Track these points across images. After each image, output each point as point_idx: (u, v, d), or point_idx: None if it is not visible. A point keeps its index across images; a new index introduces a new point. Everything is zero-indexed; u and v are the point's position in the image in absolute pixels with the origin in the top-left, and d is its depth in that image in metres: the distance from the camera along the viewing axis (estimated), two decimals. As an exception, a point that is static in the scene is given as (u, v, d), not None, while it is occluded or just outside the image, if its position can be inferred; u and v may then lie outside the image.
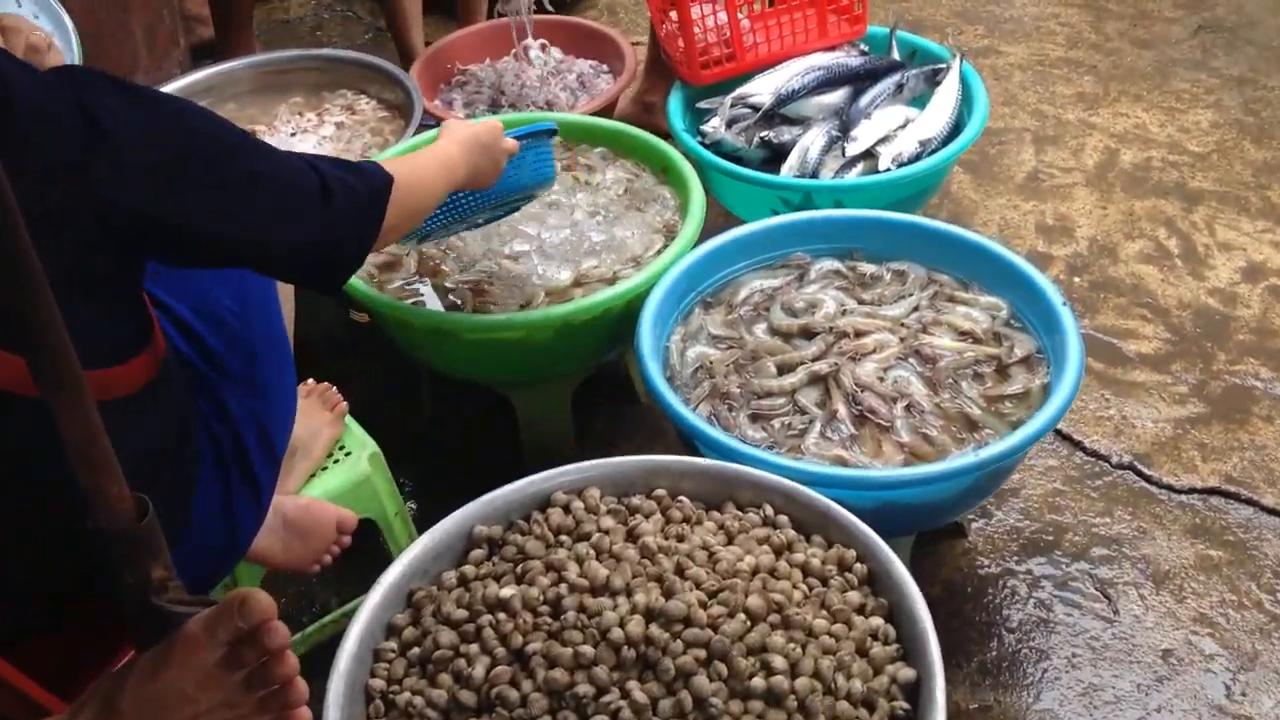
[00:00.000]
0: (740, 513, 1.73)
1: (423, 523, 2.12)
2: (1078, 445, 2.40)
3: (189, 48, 3.87)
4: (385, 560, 1.85)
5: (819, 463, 1.84)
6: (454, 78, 3.15)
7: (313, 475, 1.98)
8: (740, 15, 2.68)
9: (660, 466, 1.79)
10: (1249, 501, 2.26)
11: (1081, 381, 1.90)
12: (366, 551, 2.05)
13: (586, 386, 2.45)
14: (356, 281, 2.20)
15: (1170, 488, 2.31)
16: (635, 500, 1.75)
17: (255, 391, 1.65)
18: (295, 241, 1.40)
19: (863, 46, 2.81)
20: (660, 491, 1.76)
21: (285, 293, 1.92)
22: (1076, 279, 2.85)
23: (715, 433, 1.82)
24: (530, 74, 3.07)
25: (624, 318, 2.18)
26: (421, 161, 1.69)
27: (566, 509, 1.73)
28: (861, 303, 2.19)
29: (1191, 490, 2.30)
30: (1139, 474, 2.34)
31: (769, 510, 1.71)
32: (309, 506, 1.87)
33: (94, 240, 1.19)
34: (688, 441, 1.92)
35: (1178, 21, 3.94)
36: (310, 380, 2.12)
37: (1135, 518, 2.26)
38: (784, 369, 2.06)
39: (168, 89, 2.90)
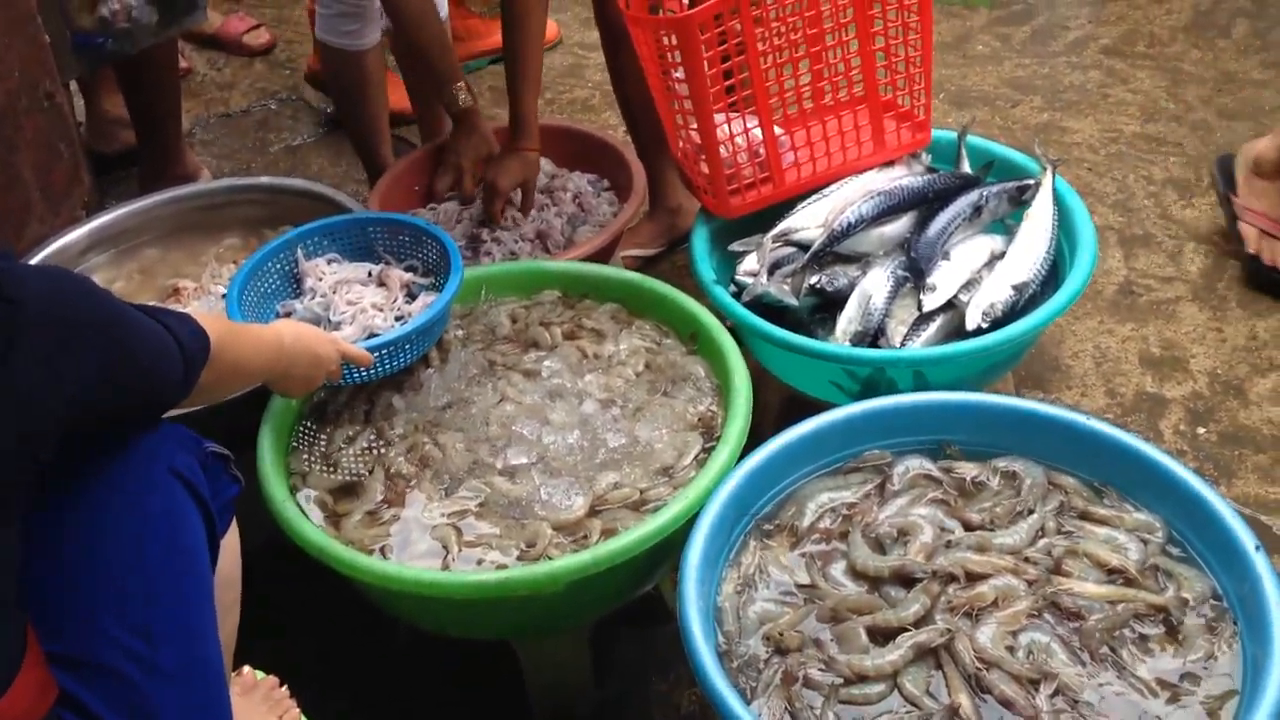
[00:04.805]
0: None
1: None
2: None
3: (109, 156, 3.48)
4: None
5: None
6: (426, 205, 2.72)
7: (250, 817, 1.52)
8: (776, 128, 2.25)
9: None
10: None
11: (1294, 659, 1.45)
12: None
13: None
14: (304, 525, 1.75)
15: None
16: None
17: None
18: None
19: (926, 158, 2.38)
20: None
21: (227, 578, 1.48)
22: (1201, 430, 2.42)
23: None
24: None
25: (658, 554, 1.75)
26: (250, 339, 1.62)
27: None
28: (968, 526, 1.75)
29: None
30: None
31: None
32: None
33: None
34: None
35: (1269, 85, 3.53)
36: (247, 670, 1.67)
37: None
38: (876, 633, 1.62)
39: (71, 237, 2.47)
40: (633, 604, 2.09)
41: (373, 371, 1.96)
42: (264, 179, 2.68)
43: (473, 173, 2.60)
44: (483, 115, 2.63)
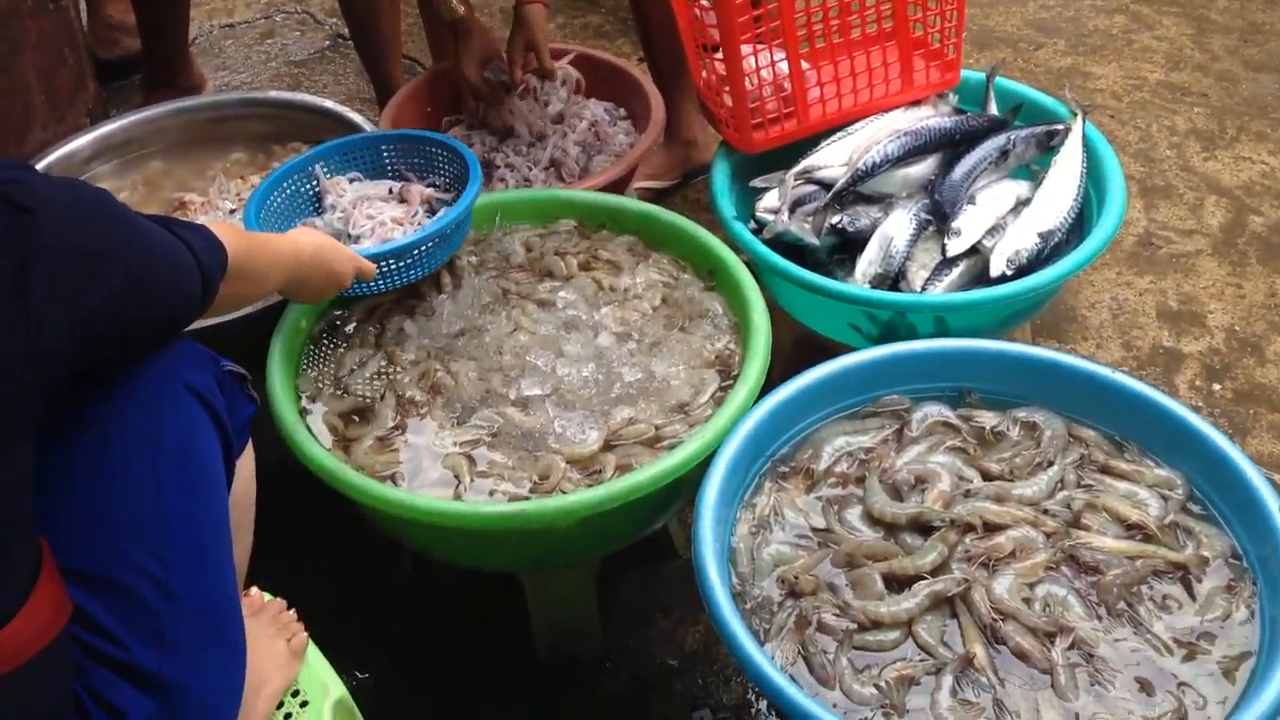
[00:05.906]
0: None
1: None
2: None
3: (110, 63, 3.40)
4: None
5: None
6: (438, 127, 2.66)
7: (254, 740, 1.51)
8: (803, 62, 2.20)
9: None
10: None
11: (1315, 623, 1.45)
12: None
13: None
14: (316, 450, 1.73)
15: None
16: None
17: (171, 700, 1.21)
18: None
19: (953, 99, 2.34)
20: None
21: (242, 500, 1.46)
22: (1217, 386, 2.41)
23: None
24: (533, 120, 2.58)
25: (672, 492, 1.73)
26: (268, 252, 1.58)
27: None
28: (986, 476, 1.74)
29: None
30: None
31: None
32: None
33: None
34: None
35: (1296, 36, 3.49)
36: (255, 590, 1.65)
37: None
38: (892, 579, 1.61)
39: (76, 144, 2.42)
40: (638, 541, 2.08)
41: (388, 281, 1.92)
42: (273, 94, 2.63)
43: (478, 77, 2.51)
44: (478, 20, 2.55)
